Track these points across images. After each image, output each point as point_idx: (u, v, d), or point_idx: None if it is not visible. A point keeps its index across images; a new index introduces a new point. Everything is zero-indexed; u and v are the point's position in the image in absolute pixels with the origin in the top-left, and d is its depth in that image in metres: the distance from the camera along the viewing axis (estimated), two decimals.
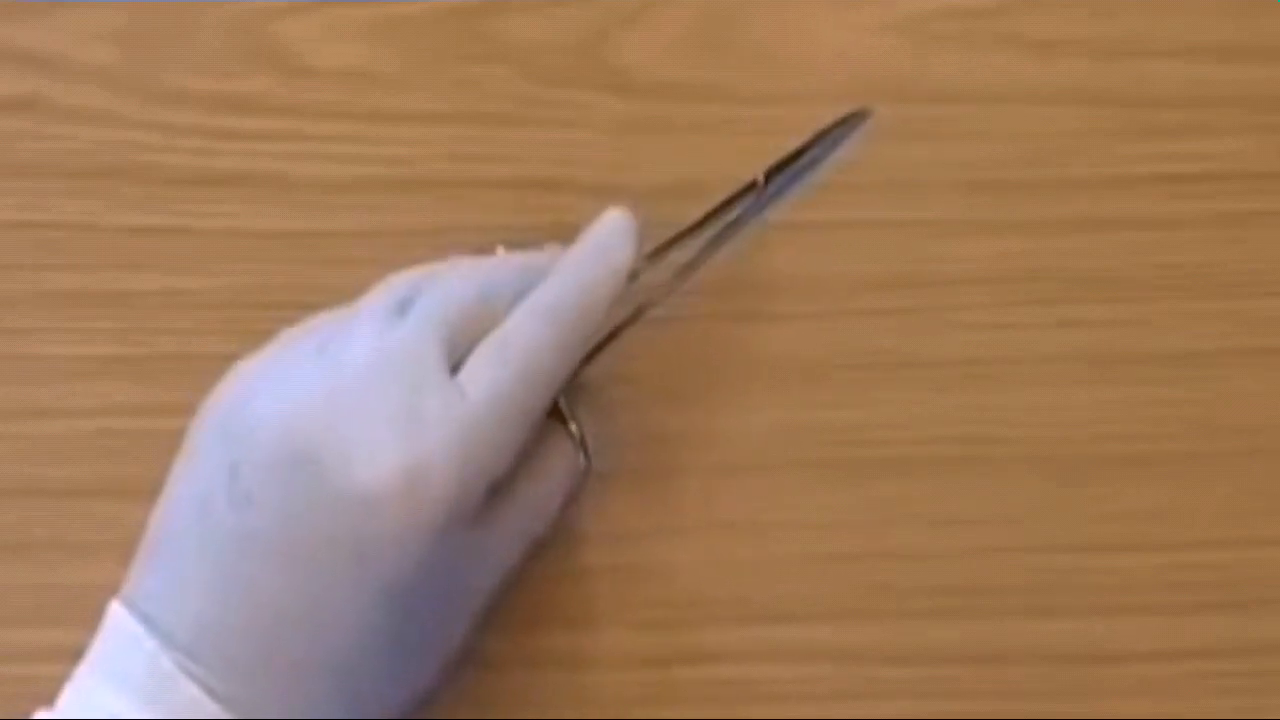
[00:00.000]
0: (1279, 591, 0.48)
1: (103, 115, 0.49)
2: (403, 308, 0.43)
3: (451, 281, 0.44)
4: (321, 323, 0.44)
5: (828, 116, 0.49)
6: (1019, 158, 0.50)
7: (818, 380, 0.49)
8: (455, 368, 0.42)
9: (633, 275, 0.45)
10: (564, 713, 0.47)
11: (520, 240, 0.47)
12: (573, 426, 0.45)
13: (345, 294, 0.48)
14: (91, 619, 0.41)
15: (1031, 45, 0.50)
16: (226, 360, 0.47)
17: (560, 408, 0.45)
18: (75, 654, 0.41)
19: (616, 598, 0.48)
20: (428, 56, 0.50)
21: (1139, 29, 0.50)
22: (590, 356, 0.46)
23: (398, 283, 0.44)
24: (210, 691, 0.40)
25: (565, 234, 0.49)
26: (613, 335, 0.46)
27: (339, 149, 0.50)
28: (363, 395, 0.41)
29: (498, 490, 0.42)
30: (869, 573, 0.48)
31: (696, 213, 0.47)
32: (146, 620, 0.41)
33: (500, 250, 0.47)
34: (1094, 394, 0.49)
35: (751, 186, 0.48)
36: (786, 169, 0.48)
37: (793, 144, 0.48)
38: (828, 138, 0.48)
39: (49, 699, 0.41)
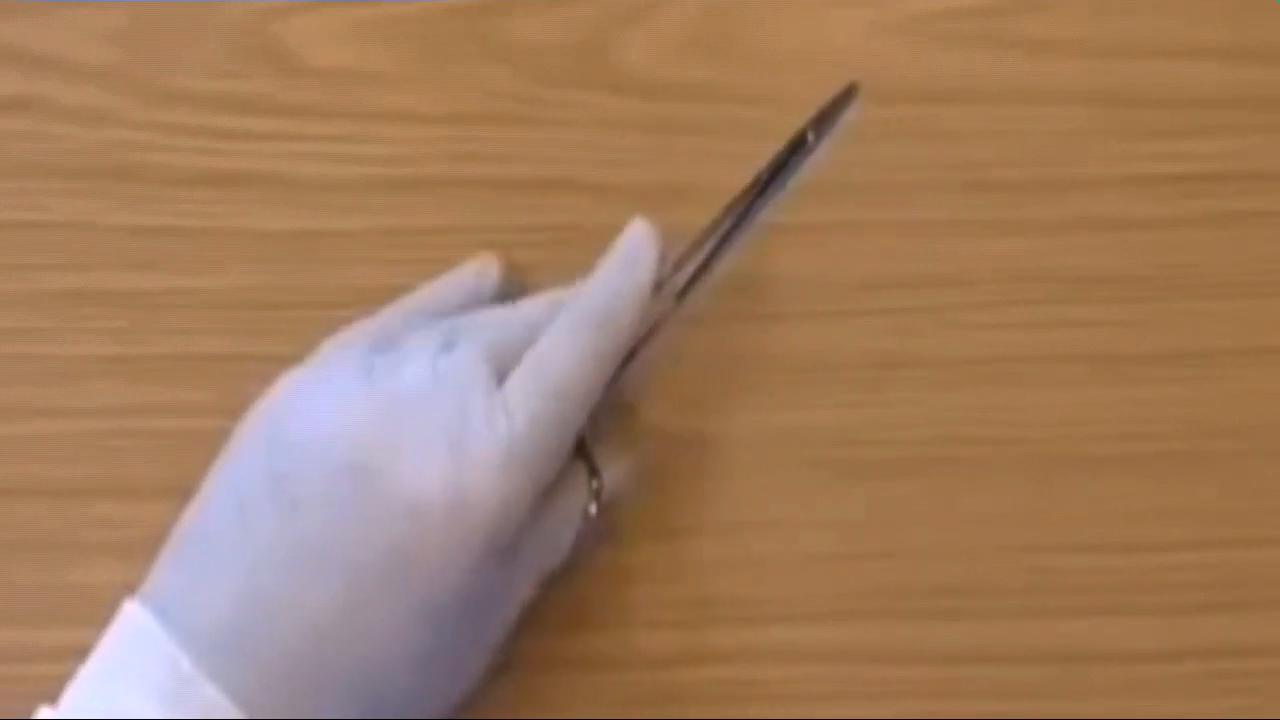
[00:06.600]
0: (1279, 591, 0.48)
1: (103, 115, 0.49)
2: (448, 344, 0.43)
3: (493, 316, 0.45)
4: (362, 339, 0.44)
5: None
6: (1019, 158, 0.50)
7: (818, 380, 0.49)
8: None
9: (657, 285, 0.45)
10: (568, 713, 0.47)
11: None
12: (594, 483, 0.46)
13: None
14: (91, 619, 0.41)
15: (1031, 45, 0.50)
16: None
17: (587, 449, 0.45)
18: (75, 654, 0.41)
19: (618, 598, 0.48)
20: (428, 56, 0.50)
21: (1139, 29, 0.50)
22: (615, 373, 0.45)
23: (435, 331, 0.44)
24: (231, 694, 0.39)
25: (565, 234, 0.49)
26: (633, 351, 0.46)
27: (339, 149, 0.50)
28: (414, 412, 0.42)
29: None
30: (869, 573, 0.48)
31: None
32: (166, 619, 0.40)
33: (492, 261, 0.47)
34: (1094, 394, 0.49)
35: (755, 183, 0.47)
36: (787, 158, 0.48)
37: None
38: (822, 121, 0.48)
39: (49, 698, 0.41)
